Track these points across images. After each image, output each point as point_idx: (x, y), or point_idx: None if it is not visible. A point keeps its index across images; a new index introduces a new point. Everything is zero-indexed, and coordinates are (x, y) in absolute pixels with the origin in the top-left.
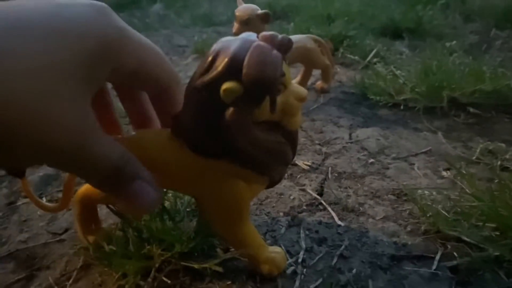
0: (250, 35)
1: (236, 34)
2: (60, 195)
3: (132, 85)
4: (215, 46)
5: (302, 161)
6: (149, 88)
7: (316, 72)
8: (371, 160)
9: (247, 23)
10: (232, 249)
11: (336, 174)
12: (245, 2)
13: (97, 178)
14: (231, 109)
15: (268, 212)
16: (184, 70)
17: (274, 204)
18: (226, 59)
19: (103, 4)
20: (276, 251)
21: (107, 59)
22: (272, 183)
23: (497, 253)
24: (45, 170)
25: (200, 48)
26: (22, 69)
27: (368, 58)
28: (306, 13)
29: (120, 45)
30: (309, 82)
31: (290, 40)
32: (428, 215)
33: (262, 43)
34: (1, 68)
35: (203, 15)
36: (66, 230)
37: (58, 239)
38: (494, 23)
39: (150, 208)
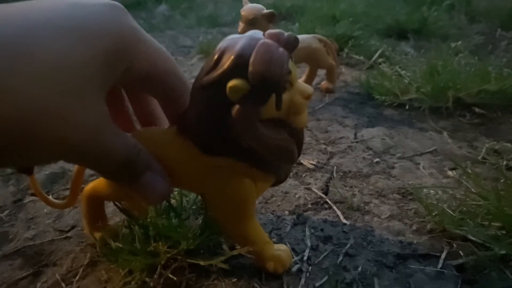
0: (256, 33)
1: (242, 33)
2: (66, 193)
3: (141, 89)
4: (221, 44)
5: (307, 160)
6: (158, 93)
7: (321, 72)
8: (376, 159)
9: (253, 23)
10: (238, 247)
11: (341, 173)
12: (251, 2)
13: (110, 170)
14: (237, 107)
15: (274, 211)
16: (189, 70)
17: (279, 203)
18: (232, 57)
19: (118, 3)
20: (281, 249)
21: (121, 57)
22: (278, 181)
23: (503, 252)
24: (51, 168)
25: (205, 49)
26: (41, 71)
27: (373, 58)
28: (311, 13)
29: (134, 45)
30: (314, 82)
31: (296, 38)
32: (433, 214)
33: (268, 40)
34: (19, 70)
35: (208, 16)
36: (72, 227)
37: (64, 236)
38: (499, 24)
39: (161, 199)
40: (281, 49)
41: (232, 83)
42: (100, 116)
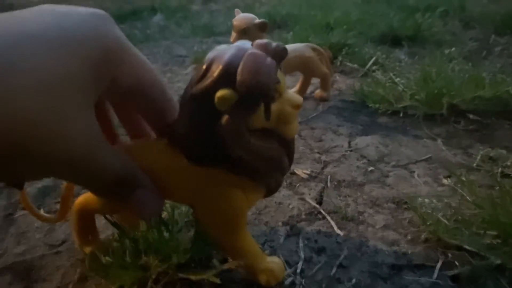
0: (244, 43)
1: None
2: (58, 206)
3: (126, 101)
4: (210, 54)
5: (301, 170)
6: (141, 105)
7: (315, 81)
8: (371, 168)
9: (245, 33)
10: (230, 259)
11: (335, 183)
12: (244, 12)
13: (102, 187)
14: (225, 117)
15: (267, 222)
16: (184, 80)
17: (273, 214)
18: (220, 67)
19: (104, 12)
20: (274, 261)
21: (108, 67)
22: (269, 192)
23: (498, 262)
24: (43, 182)
25: (199, 58)
26: (29, 85)
27: (367, 66)
28: (306, 22)
29: (119, 55)
30: (308, 91)
31: (284, 48)
32: (428, 223)
33: (256, 50)
34: (8, 84)
35: (203, 25)
36: (63, 242)
37: (55, 251)
38: (493, 29)
39: (152, 215)
40: (269, 59)
41: (220, 93)
42: (89, 128)
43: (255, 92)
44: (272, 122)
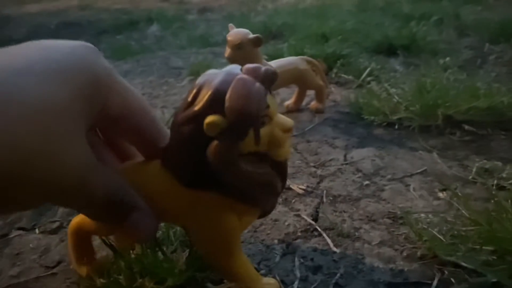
0: (233, 68)
1: (229, 58)
2: (54, 225)
3: (115, 130)
4: (199, 80)
5: (296, 185)
6: (131, 134)
7: (311, 92)
8: (366, 182)
9: (239, 48)
10: (225, 281)
11: (331, 198)
12: (240, 24)
13: (97, 211)
14: (214, 143)
15: (263, 240)
16: (180, 93)
17: (268, 231)
18: (209, 93)
19: (90, 44)
20: (270, 283)
21: (98, 96)
22: (263, 214)
23: (495, 279)
24: None
25: (195, 70)
26: (20, 113)
27: (362, 77)
28: (301, 32)
29: (108, 84)
30: (304, 103)
31: (274, 72)
32: (424, 239)
33: (245, 76)
34: (5, 115)
35: (200, 36)
36: (58, 263)
37: (50, 272)
38: (488, 37)
39: (148, 238)
40: (257, 84)
41: (209, 119)
42: (82, 154)
43: (244, 118)
44: (263, 146)
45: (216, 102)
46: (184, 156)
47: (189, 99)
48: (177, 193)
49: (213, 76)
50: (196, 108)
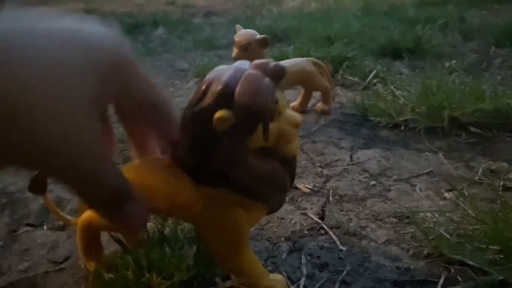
0: (242, 64)
1: (236, 59)
2: (61, 222)
3: (134, 116)
4: (209, 76)
5: (303, 184)
6: (148, 122)
7: (317, 94)
8: (373, 182)
9: (246, 48)
10: (233, 277)
11: (337, 197)
12: (244, 26)
13: (97, 200)
14: (224, 138)
15: (269, 237)
16: (186, 94)
17: (275, 229)
18: (218, 88)
19: (122, 36)
20: (276, 279)
21: (117, 75)
22: (271, 210)
23: (501, 277)
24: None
25: (201, 72)
26: (43, 74)
27: (368, 79)
28: (306, 35)
29: (128, 72)
30: (310, 104)
31: (282, 67)
32: (430, 238)
33: (253, 71)
34: (31, 99)
35: (205, 39)
36: (66, 259)
37: (58, 268)
38: (493, 41)
39: (138, 230)
40: (267, 79)
41: (218, 114)
42: (97, 140)
43: (252, 113)
44: (272, 141)
45: (225, 97)
46: (194, 152)
47: (199, 95)
48: (185, 188)
49: (222, 71)
50: (206, 103)
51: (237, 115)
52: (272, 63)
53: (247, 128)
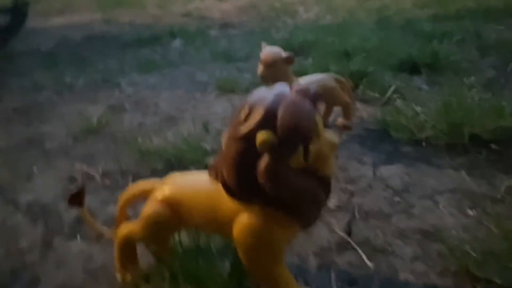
0: (283, 88)
1: (262, 76)
2: (94, 234)
3: None
4: (251, 98)
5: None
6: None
7: (337, 108)
8: (397, 198)
9: (272, 66)
10: None
11: (363, 213)
12: (262, 40)
13: None
14: (265, 158)
15: (298, 253)
16: (208, 107)
17: (302, 244)
18: (262, 111)
19: None
20: None
21: None
22: (307, 225)
23: None
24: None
25: (222, 85)
26: None
27: (388, 94)
28: (323, 49)
29: None
30: (330, 119)
31: (321, 94)
32: (457, 255)
33: (295, 95)
34: None
35: (222, 51)
36: (102, 269)
37: (94, 278)
38: (510, 57)
39: None
40: (308, 104)
41: (261, 135)
42: None
43: (294, 135)
44: (310, 162)
45: (268, 119)
46: (235, 170)
47: (243, 116)
48: (224, 204)
49: (265, 94)
50: (250, 125)
51: (279, 137)
52: (313, 88)
53: (288, 149)
